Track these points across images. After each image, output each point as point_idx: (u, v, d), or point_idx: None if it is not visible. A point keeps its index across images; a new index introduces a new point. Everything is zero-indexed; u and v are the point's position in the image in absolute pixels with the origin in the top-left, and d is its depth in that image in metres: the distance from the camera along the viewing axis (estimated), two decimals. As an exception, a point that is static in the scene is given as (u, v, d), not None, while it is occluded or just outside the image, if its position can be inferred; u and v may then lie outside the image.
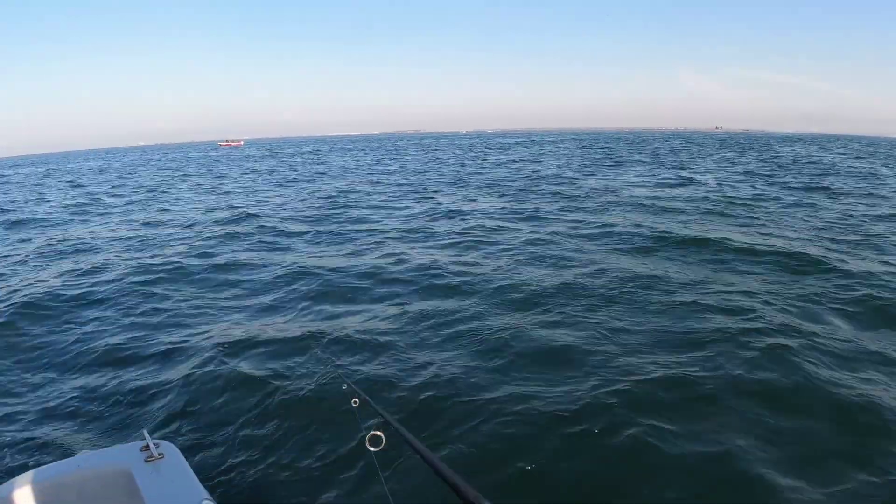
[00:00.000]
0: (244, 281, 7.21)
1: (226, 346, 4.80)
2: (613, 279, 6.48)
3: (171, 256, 8.65)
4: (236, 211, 13.27)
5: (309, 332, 5.07)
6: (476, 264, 7.50)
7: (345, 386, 1.85)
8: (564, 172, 22.02)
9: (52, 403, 4.12)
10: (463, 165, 27.48)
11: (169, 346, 5.01)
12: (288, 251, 8.97)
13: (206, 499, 1.27)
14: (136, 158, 64.09)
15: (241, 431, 3.53)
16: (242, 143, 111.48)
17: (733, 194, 14.27)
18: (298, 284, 6.80)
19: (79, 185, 25.35)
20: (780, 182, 17.69)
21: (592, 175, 20.63)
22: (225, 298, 6.52)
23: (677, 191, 15.31)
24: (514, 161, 29.75)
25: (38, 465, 2.05)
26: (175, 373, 4.42)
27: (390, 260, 7.79)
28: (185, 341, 5.10)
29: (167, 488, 1.43)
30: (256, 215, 12.54)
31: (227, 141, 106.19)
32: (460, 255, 8.11)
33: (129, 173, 33.27)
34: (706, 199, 13.24)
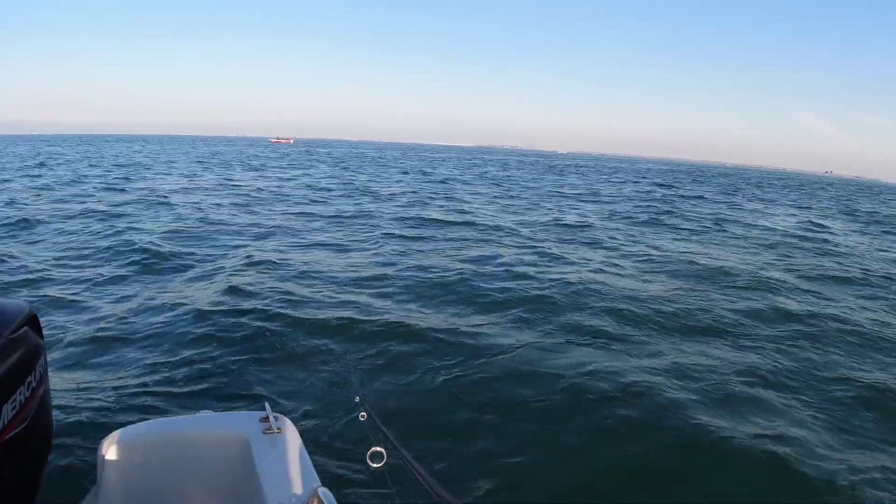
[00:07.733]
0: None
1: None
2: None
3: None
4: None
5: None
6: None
7: (357, 398, 1.87)
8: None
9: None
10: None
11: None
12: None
13: (319, 485, 1.19)
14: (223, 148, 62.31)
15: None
16: (292, 140, 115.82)
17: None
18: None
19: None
20: None
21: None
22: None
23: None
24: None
25: (158, 416, 2.17)
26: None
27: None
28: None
29: (281, 464, 1.42)
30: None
31: (277, 138, 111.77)
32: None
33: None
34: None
